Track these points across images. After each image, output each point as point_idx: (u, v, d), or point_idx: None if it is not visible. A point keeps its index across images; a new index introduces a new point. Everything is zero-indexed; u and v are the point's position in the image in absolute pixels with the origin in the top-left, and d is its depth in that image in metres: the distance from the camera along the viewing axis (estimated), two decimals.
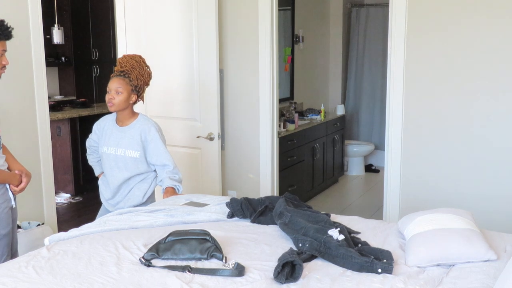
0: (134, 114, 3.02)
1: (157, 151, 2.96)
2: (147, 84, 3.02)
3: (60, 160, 5.61)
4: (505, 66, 3.17)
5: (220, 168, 3.85)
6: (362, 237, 2.30)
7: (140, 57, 3.01)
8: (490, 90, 3.23)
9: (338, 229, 2.18)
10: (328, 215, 2.49)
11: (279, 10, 4.05)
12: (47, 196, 3.64)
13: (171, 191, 2.96)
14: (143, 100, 3.06)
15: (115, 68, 2.97)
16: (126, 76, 2.91)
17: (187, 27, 3.83)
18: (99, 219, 2.58)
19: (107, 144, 3.02)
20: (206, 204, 2.78)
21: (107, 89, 2.93)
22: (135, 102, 2.99)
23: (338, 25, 6.83)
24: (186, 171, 3.98)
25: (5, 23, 2.44)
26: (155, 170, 3.05)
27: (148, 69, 3.00)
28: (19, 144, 3.43)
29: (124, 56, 3.00)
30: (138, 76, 2.93)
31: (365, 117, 7.12)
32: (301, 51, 6.21)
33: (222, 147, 4.07)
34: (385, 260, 1.97)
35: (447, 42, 3.30)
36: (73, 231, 2.41)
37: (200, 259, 2.04)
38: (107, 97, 2.93)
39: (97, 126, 3.14)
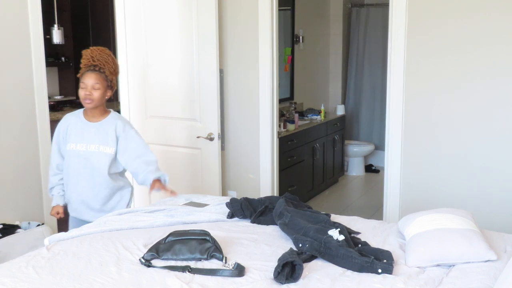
0: (107, 110, 2.86)
1: (132, 144, 2.79)
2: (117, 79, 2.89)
3: None
4: (507, 67, 3.17)
5: (220, 168, 3.84)
6: (362, 237, 2.30)
7: (109, 50, 2.82)
8: (491, 91, 3.23)
9: (338, 229, 2.18)
10: (328, 215, 2.50)
11: (279, 10, 4.04)
12: (47, 196, 3.63)
13: (158, 185, 2.72)
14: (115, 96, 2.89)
15: (84, 62, 2.75)
16: (102, 71, 2.73)
17: (187, 27, 3.83)
18: (98, 219, 2.58)
19: (75, 141, 2.80)
20: (206, 204, 2.78)
21: (82, 84, 2.73)
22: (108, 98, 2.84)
23: (338, 25, 6.82)
24: (186, 171, 3.99)
25: None
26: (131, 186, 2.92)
27: (117, 62, 2.85)
28: (19, 144, 3.44)
29: (92, 49, 2.77)
30: (111, 71, 2.77)
31: (365, 117, 7.11)
32: (301, 51, 6.21)
33: (222, 147, 4.07)
34: (385, 260, 1.98)
35: (447, 42, 3.29)
36: (73, 231, 2.41)
37: (200, 259, 2.04)
38: (82, 93, 2.72)
39: (59, 129, 2.88)
